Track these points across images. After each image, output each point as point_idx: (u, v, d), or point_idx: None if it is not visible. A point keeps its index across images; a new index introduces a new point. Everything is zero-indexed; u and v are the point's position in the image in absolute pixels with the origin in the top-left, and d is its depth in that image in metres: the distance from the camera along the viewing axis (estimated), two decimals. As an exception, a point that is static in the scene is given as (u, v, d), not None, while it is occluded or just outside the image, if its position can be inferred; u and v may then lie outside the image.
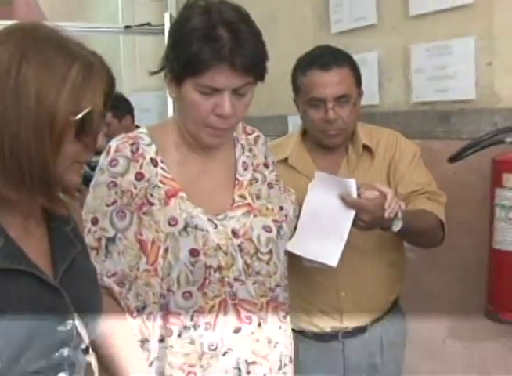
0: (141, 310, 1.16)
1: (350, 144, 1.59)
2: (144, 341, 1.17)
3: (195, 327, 1.17)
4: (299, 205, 1.37)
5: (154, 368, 1.17)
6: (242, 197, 1.24)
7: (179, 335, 1.17)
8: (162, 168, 1.19)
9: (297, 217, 1.37)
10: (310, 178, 1.52)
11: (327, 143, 1.56)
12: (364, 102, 1.62)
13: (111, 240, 1.15)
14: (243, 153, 1.30)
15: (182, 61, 1.12)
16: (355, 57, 1.58)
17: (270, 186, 1.30)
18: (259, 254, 1.21)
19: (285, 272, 1.29)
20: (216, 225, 1.18)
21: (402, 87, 2.02)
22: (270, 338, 1.23)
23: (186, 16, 1.15)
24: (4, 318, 0.79)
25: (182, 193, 1.18)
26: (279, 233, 1.25)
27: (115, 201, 1.15)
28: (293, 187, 1.40)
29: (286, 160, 1.57)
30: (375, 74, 2.08)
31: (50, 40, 0.83)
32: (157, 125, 1.31)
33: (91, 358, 0.96)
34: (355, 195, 1.32)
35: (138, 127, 2.24)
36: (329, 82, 1.49)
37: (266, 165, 1.33)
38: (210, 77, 1.10)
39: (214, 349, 1.17)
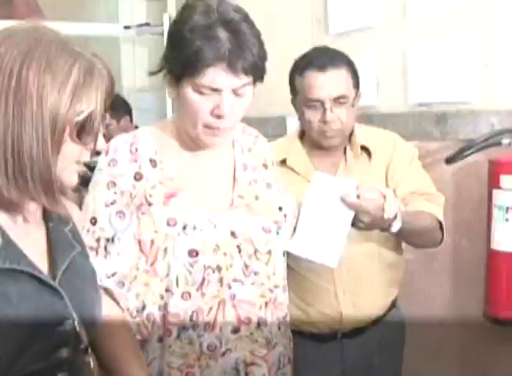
0: (140, 310, 1.16)
1: (348, 145, 1.58)
2: (144, 342, 1.17)
3: (194, 327, 1.17)
4: (298, 206, 1.38)
5: (153, 368, 1.17)
6: (241, 197, 1.24)
7: (178, 335, 1.17)
8: (161, 169, 1.18)
9: (297, 217, 1.37)
10: (308, 179, 1.51)
11: (325, 144, 1.55)
12: (362, 103, 1.62)
13: (110, 241, 1.15)
14: (242, 153, 1.29)
15: (181, 61, 1.12)
16: (353, 59, 1.58)
17: (269, 186, 1.30)
18: (258, 255, 1.21)
19: (284, 273, 1.28)
20: (215, 225, 1.17)
21: (400, 88, 2.03)
22: (269, 339, 1.22)
23: (185, 16, 1.14)
24: (3, 318, 0.79)
25: (180, 194, 1.17)
26: (278, 233, 1.25)
27: (114, 201, 1.15)
28: (292, 188, 1.40)
29: (284, 161, 1.57)
30: (373, 76, 2.09)
31: (52, 41, 0.83)
32: (156, 126, 1.30)
33: (91, 358, 0.95)
34: (354, 196, 1.32)
35: (136, 127, 2.25)
36: (327, 83, 1.49)
37: (265, 166, 1.32)
38: (208, 77, 1.10)
39: (213, 350, 1.17)
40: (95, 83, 0.84)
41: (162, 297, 1.16)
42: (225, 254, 1.17)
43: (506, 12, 1.70)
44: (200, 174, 1.23)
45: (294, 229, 1.34)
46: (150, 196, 1.16)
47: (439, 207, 1.54)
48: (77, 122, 0.83)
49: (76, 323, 0.88)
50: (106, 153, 1.17)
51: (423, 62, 1.91)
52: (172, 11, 3.23)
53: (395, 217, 1.34)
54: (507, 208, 1.49)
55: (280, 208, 1.29)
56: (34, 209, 0.90)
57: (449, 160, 1.57)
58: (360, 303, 1.57)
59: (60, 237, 0.93)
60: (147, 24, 3.60)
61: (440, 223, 1.53)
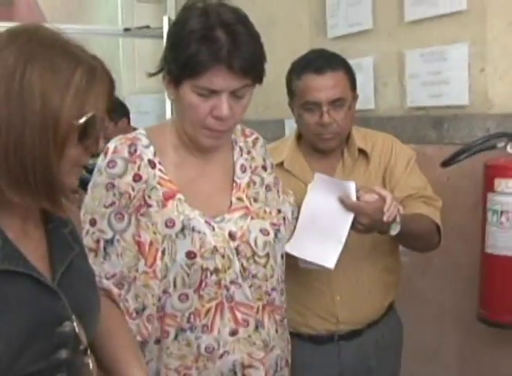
0: (140, 312, 1.16)
1: (345, 148, 1.59)
2: (144, 343, 1.17)
3: (192, 329, 1.17)
4: (297, 207, 1.38)
5: (150, 370, 1.16)
6: (239, 199, 1.24)
7: (176, 337, 1.17)
8: (160, 170, 1.18)
9: (296, 219, 1.37)
10: (305, 182, 1.51)
11: (322, 147, 1.56)
12: (359, 106, 1.62)
13: (109, 242, 1.15)
14: (242, 155, 1.29)
15: (180, 63, 1.12)
16: (351, 62, 1.59)
17: (268, 188, 1.30)
18: (256, 258, 1.21)
19: (282, 276, 1.28)
20: (213, 227, 1.18)
21: (397, 92, 2.03)
22: (266, 342, 1.23)
23: (184, 18, 1.15)
24: (2, 319, 0.79)
25: (179, 195, 1.17)
26: (276, 236, 1.25)
27: (113, 203, 1.15)
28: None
29: (281, 164, 1.56)
30: (370, 79, 2.10)
31: (54, 44, 0.83)
32: (155, 127, 1.31)
33: (90, 359, 0.95)
34: (354, 198, 1.32)
35: (134, 129, 2.25)
36: (324, 86, 1.49)
37: (264, 168, 1.32)
38: (207, 78, 1.10)
39: (211, 352, 1.17)
40: (97, 87, 0.84)
41: (160, 298, 1.16)
42: (222, 256, 1.17)
43: (502, 17, 1.71)
44: (198, 176, 1.23)
45: (294, 230, 1.35)
46: (149, 197, 1.16)
47: (436, 210, 1.55)
48: (80, 125, 0.82)
49: (75, 324, 0.87)
50: (105, 154, 1.17)
51: (420, 66, 1.92)
52: (172, 13, 3.23)
53: (395, 220, 1.34)
54: (501, 212, 1.49)
55: (279, 211, 1.29)
56: (33, 210, 0.90)
57: (445, 164, 1.57)
58: (356, 306, 1.57)
59: (59, 239, 0.93)
60: (147, 27, 3.60)
61: (437, 226, 1.53)
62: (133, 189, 1.16)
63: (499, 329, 1.61)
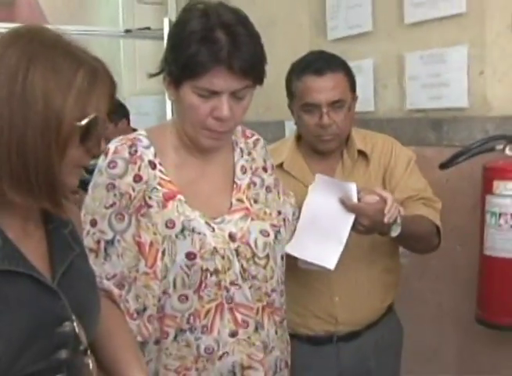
0: (141, 312, 1.16)
1: (345, 149, 1.59)
2: (144, 343, 1.17)
3: (191, 329, 1.17)
4: (298, 208, 1.38)
5: (149, 370, 1.16)
6: (240, 200, 1.23)
7: (175, 338, 1.17)
8: (160, 171, 1.18)
9: (297, 220, 1.37)
10: (305, 183, 1.52)
11: (322, 148, 1.56)
12: (359, 108, 1.63)
13: (110, 243, 1.15)
14: (242, 156, 1.29)
15: (180, 63, 1.12)
16: (351, 64, 1.59)
17: (268, 190, 1.30)
18: (256, 259, 1.21)
19: (281, 278, 1.28)
20: (213, 228, 1.17)
21: (397, 94, 2.04)
22: (266, 343, 1.22)
23: (185, 19, 1.14)
24: (2, 320, 0.79)
25: (179, 196, 1.17)
26: (276, 237, 1.25)
27: (114, 203, 1.15)
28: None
29: (281, 165, 1.56)
30: (370, 81, 2.10)
31: (56, 45, 0.83)
32: (156, 127, 1.31)
33: (90, 360, 0.95)
34: (355, 199, 1.32)
35: (134, 130, 2.25)
36: (324, 87, 1.49)
37: (265, 169, 1.32)
38: (208, 79, 1.10)
39: (211, 353, 1.17)
40: (99, 88, 0.84)
41: (159, 299, 1.16)
42: (222, 257, 1.17)
43: (501, 20, 1.72)
44: (199, 177, 1.23)
45: (294, 231, 1.35)
46: (149, 198, 1.16)
47: (436, 212, 1.55)
48: (81, 127, 0.83)
49: (75, 324, 0.87)
50: (106, 154, 1.16)
51: (420, 68, 1.93)
52: (173, 15, 3.24)
53: (395, 221, 1.34)
54: (500, 214, 1.49)
55: (279, 212, 1.29)
56: (33, 211, 0.90)
57: (443, 166, 1.58)
58: (356, 307, 1.57)
59: (59, 239, 0.93)
60: (148, 28, 3.61)
61: (437, 228, 1.53)
62: (133, 190, 1.16)
63: (496, 330, 1.61)
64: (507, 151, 1.52)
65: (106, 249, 1.15)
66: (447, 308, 1.93)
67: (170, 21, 3.11)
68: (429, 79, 1.89)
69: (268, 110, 2.56)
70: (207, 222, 1.17)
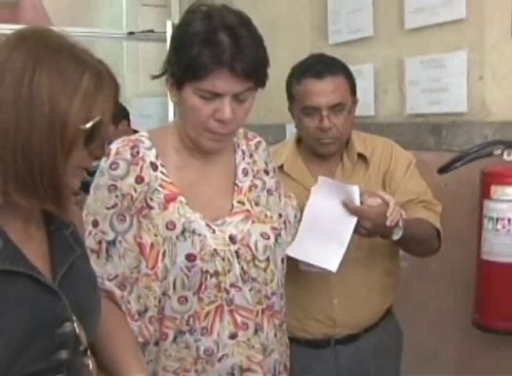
0: (142, 313, 1.16)
1: (345, 152, 1.59)
2: (145, 344, 1.17)
3: (191, 331, 1.17)
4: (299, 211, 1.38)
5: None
6: (241, 203, 1.23)
7: (174, 339, 1.17)
8: (162, 172, 1.18)
9: (299, 222, 1.37)
10: (305, 185, 1.53)
11: (322, 151, 1.56)
12: (360, 113, 1.63)
13: (111, 244, 1.15)
14: (244, 159, 1.29)
15: (183, 65, 1.12)
16: (352, 68, 1.59)
17: (270, 192, 1.30)
18: (256, 261, 1.21)
19: (282, 280, 1.28)
20: (214, 230, 1.17)
21: (397, 99, 2.04)
22: (265, 346, 1.22)
23: (188, 21, 1.14)
24: (2, 320, 0.79)
25: (180, 198, 1.18)
26: (276, 240, 1.24)
27: (115, 205, 1.15)
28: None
29: (281, 167, 1.56)
30: (371, 86, 2.11)
31: (61, 47, 0.83)
32: (158, 129, 1.31)
33: (90, 360, 0.95)
34: (357, 202, 1.32)
35: (135, 131, 2.26)
36: (324, 91, 1.49)
37: (266, 172, 1.32)
38: (210, 81, 1.10)
39: (210, 355, 1.17)
40: (104, 91, 0.84)
41: (160, 300, 1.16)
42: (223, 259, 1.17)
43: (501, 25, 1.72)
44: (200, 178, 1.23)
45: (296, 233, 1.35)
46: (151, 199, 1.16)
47: (436, 215, 1.55)
48: (86, 130, 0.83)
49: (75, 325, 0.87)
50: (108, 155, 1.16)
51: (420, 73, 1.93)
52: (176, 18, 3.25)
53: (397, 224, 1.34)
54: (497, 219, 1.49)
55: (280, 215, 1.29)
56: (35, 212, 0.90)
57: (441, 171, 1.58)
58: (354, 309, 1.57)
59: (61, 240, 0.93)
60: (151, 31, 3.63)
61: (437, 231, 1.53)
62: (135, 191, 1.16)
63: (493, 334, 1.62)
64: (505, 156, 1.52)
65: (107, 250, 1.15)
66: (445, 311, 1.94)
67: (173, 24, 3.13)
68: (429, 84, 1.90)
69: (270, 113, 2.56)
70: (207, 224, 1.18)
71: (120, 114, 3.12)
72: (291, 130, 2.29)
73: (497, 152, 1.51)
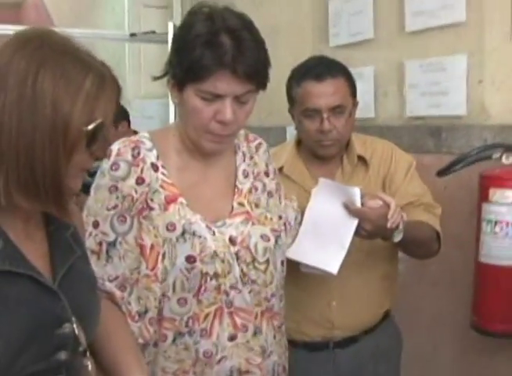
0: (142, 314, 1.16)
1: (345, 154, 1.59)
2: (145, 346, 1.17)
3: (190, 333, 1.17)
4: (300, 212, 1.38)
5: None
6: (241, 204, 1.23)
7: (174, 341, 1.17)
8: (162, 173, 1.18)
9: (299, 224, 1.37)
10: (305, 187, 1.52)
11: (322, 154, 1.56)
12: (360, 115, 1.63)
13: (112, 245, 1.15)
14: (244, 160, 1.29)
15: (184, 67, 1.12)
16: (352, 71, 1.59)
17: (270, 194, 1.30)
18: (256, 263, 1.21)
19: (281, 283, 1.28)
20: (214, 232, 1.17)
21: (397, 101, 2.05)
22: (264, 348, 1.22)
23: (190, 23, 1.15)
24: (2, 320, 0.79)
25: (181, 199, 1.17)
26: (276, 242, 1.24)
27: (116, 206, 1.15)
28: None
29: (280, 169, 1.55)
30: (371, 88, 2.11)
31: (65, 49, 0.83)
32: (159, 130, 1.30)
33: (89, 361, 0.95)
34: (358, 203, 1.32)
35: (135, 132, 2.26)
36: (324, 93, 1.49)
37: (267, 174, 1.32)
38: (211, 83, 1.11)
39: (209, 356, 1.17)
40: (106, 94, 0.84)
41: (159, 301, 1.16)
42: (222, 261, 1.17)
43: (500, 29, 1.72)
44: (201, 180, 1.23)
45: (296, 235, 1.35)
46: (151, 200, 1.16)
47: (436, 218, 1.55)
48: (88, 132, 0.83)
49: (75, 325, 0.87)
50: (109, 156, 1.16)
51: (420, 76, 1.94)
52: (178, 19, 3.26)
53: (398, 227, 1.34)
54: (496, 222, 1.49)
55: (280, 217, 1.29)
56: (35, 213, 0.90)
57: (440, 173, 1.59)
58: (353, 312, 1.56)
59: (61, 241, 0.93)
60: (153, 32, 3.64)
61: (437, 233, 1.53)
62: (136, 192, 1.16)
63: (491, 337, 1.62)
64: (504, 160, 1.53)
65: (107, 251, 1.15)
66: (444, 313, 1.94)
67: (175, 25, 3.14)
68: (428, 87, 1.90)
69: (270, 115, 2.57)
70: (207, 226, 1.18)
71: (120, 116, 3.12)
72: (292, 132, 2.29)
73: (496, 155, 1.52)
